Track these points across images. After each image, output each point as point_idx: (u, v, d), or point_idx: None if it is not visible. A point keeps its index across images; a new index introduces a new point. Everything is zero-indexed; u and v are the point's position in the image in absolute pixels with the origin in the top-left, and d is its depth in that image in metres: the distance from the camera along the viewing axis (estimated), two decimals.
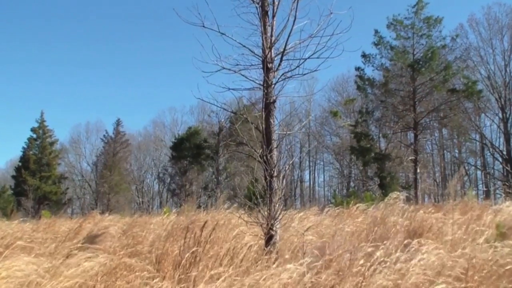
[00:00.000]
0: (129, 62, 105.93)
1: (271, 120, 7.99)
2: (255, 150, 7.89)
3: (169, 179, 57.60)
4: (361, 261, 6.22)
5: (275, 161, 7.81)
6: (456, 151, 58.37)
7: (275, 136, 8.01)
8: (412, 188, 35.41)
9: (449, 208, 12.35)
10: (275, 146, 7.91)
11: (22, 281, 5.32)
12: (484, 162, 53.32)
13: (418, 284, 5.51)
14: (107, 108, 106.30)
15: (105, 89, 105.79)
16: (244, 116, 8.51)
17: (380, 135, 41.46)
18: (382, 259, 6.19)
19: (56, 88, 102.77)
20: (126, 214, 20.80)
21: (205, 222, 8.07)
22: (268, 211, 7.47)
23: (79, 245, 8.33)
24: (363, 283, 5.59)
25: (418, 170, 36.03)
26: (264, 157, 7.63)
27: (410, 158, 36.58)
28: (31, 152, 54.75)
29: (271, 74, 8.18)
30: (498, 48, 46.49)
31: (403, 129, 40.02)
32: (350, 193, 27.38)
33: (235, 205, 12.97)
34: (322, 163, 68.07)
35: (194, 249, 7.05)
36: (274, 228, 7.54)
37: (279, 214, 7.68)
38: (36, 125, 56.23)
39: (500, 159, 45.99)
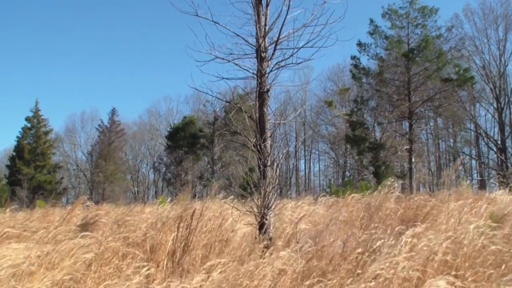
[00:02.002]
0: (124, 51, 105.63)
1: (265, 109, 7.98)
2: (248, 140, 7.88)
3: (164, 168, 57.58)
4: (355, 249, 6.23)
5: (269, 150, 7.81)
6: (451, 140, 58.49)
7: (268, 125, 8.01)
8: (407, 178, 35.50)
9: (443, 197, 12.38)
10: (268, 135, 7.90)
11: (14, 271, 5.31)
12: (479, 151, 53.45)
13: (408, 273, 5.52)
14: (102, 97, 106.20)
15: (100, 78, 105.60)
16: (238, 105, 8.49)
17: (375, 124, 41.46)
18: (375, 247, 6.20)
19: (50, 77, 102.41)
20: (121, 204, 20.81)
21: (200, 212, 8.08)
22: (261, 200, 7.48)
23: (70, 234, 8.33)
24: (357, 271, 5.60)
25: (413, 160, 36.10)
26: (258, 146, 7.62)
27: (405, 147, 36.64)
28: (25, 142, 54.56)
29: (264, 63, 8.17)
30: (493, 38, 46.53)
31: (398, 119, 40.05)
32: (346, 182, 27.42)
33: (229, 194, 12.98)
34: (317, 152, 68.15)
35: (187, 238, 7.06)
36: (267, 217, 7.55)
37: (273, 203, 7.69)
38: (30, 114, 56.08)
39: (495, 149, 46.10)
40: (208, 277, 5.21)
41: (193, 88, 8.43)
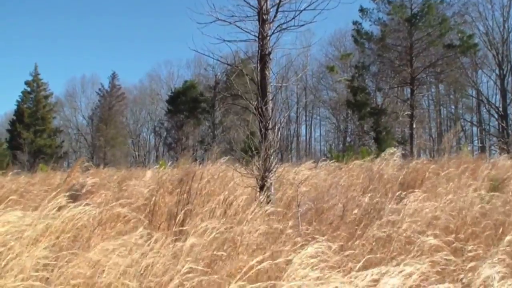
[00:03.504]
0: (123, 14, 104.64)
1: (267, 72, 7.94)
2: (250, 103, 7.85)
3: (165, 133, 57.51)
4: (355, 211, 6.26)
5: (270, 113, 7.79)
6: (453, 107, 58.33)
7: (270, 88, 7.97)
8: (408, 144, 35.48)
9: (443, 162, 12.40)
10: (270, 98, 7.87)
11: (18, 236, 5.32)
12: (480, 118, 53.32)
13: (409, 235, 5.55)
14: (102, 61, 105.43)
15: (100, 41, 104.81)
16: (240, 68, 8.44)
17: (377, 90, 41.25)
18: (377, 210, 6.23)
19: (50, 41, 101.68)
20: (122, 168, 20.85)
21: (201, 175, 8.09)
22: (262, 163, 7.48)
23: (72, 198, 8.34)
24: (357, 233, 5.63)
25: (414, 126, 35.99)
26: (259, 109, 7.60)
27: (406, 113, 36.50)
28: (25, 106, 54.34)
29: (266, 25, 8.10)
30: (497, 4, 45.99)
31: (400, 84, 39.80)
32: (347, 147, 27.45)
33: (231, 159, 12.98)
34: (318, 117, 68.07)
35: (187, 201, 7.07)
36: (268, 180, 7.57)
37: (274, 166, 7.69)
38: (30, 78, 55.76)
39: (496, 116, 45.97)
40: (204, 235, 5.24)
41: (194, 51, 8.39)
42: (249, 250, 4.85)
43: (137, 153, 68.92)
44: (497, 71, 46.29)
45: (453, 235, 5.58)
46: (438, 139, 53.47)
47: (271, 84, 8.13)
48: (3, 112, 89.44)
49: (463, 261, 4.81)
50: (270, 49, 7.98)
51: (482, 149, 44.92)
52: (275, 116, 8.10)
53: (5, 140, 52.47)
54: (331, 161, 14.70)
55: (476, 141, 54.36)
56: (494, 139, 45.58)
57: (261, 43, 7.98)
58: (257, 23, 8.08)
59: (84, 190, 10.11)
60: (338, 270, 4.06)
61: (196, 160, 21.31)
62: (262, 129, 7.68)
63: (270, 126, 7.68)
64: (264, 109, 7.63)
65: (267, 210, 6.48)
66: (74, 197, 8.53)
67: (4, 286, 3.82)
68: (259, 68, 7.91)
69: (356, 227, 6.01)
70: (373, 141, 37.34)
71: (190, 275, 4.15)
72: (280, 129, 8.14)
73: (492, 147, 43.37)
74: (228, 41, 8.12)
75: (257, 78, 7.92)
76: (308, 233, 5.76)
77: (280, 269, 4.18)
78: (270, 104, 7.87)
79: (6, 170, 15.96)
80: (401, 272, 3.45)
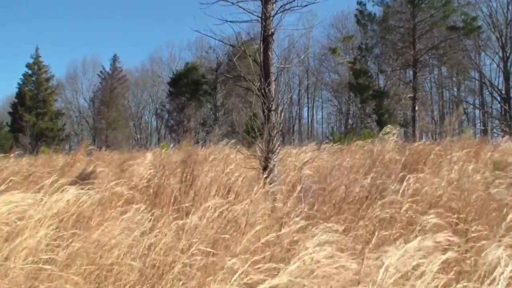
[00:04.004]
0: None
1: (269, 53, 7.91)
2: (253, 84, 7.83)
3: (167, 115, 57.42)
4: (358, 192, 6.25)
5: (273, 95, 7.77)
6: (455, 89, 58.12)
7: (273, 69, 7.94)
8: (410, 126, 35.42)
9: (446, 144, 12.37)
10: (273, 79, 7.85)
11: (21, 216, 5.33)
12: (483, 101, 53.16)
13: (411, 216, 5.56)
14: (103, 44, 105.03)
15: (101, 23, 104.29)
16: (243, 49, 8.41)
17: (379, 72, 41.10)
18: (379, 191, 6.22)
19: (50, 23, 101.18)
20: (125, 150, 20.86)
21: (204, 157, 8.09)
22: (265, 144, 7.47)
23: (75, 180, 8.35)
24: (361, 213, 5.63)
25: (417, 108, 35.86)
26: (262, 91, 7.57)
27: (408, 95, 36.37)
28: (26, 88, 54.22)
29: (269, 6, 8.05)
30: None
31: (402, 67, 39.62)
32: (349, 130, 27.42)
33: (233, 140, 12.97)
34: (320, 100, 67.92)
35: (191, 182, 7.08)
36: (271, 161, 7.57)
37: (277, 147, 7.69)
38: (31, 60, 55.60)
39: (499, 98, 45.82)
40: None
41: (197, 32, 8.33)
42: (252, 231, 4.85)
43: (138, 136, 68.90)
44: (500, 54, 46.06)
45: (456, 215, 5.58)
46: (441, 122, 53.33)
47: (274, 65, 8.10)
48: (4, 95, 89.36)
49: (466, 241, 4.81)
50: (273, 30, 7.95)
51: (485, 131, 44.87)
52: (278, 97, 8.08)
53: (6, 123, 52.45)
54: (334, 144, 14.68)
55: (479, 123, 54.28)
56: (497, 121, 45.50)
57: (264, 23, 7.94)
58: (260, 3, 8.03)
59: (87, 173, 10.13)
60: (346, 252, 4.05)
61: (198, 142, 21.32)
62: (265, 111, 7.66)
63: (273, 108, 7.66)
64: (267, 90, 7.61)
65: (270, 190, 6.48)
66: (77, 179, 8.54)
67: (13, 269, 3.83)
68: (262, 49, 7.87)
69: (359, 208, 6.02)
70: (375, 123, 37.29)
71: (197, 257, 4.16)
72: (283, 110, 8.12)
73: (495, 130, 43.34)
74: (230, 21, 8.09)
75: (259, 59, 7.90)
76: (311, 214, 5.77)
77: (285, 250, 4.19)
78: (273, 85, 7.85)
79: (9, 153, 15.97)
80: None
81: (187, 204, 6.16)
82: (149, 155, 12.49)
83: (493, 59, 48.36)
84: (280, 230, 4.67)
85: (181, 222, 4.82)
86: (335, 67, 57.94)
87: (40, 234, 4.31)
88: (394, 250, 3.43)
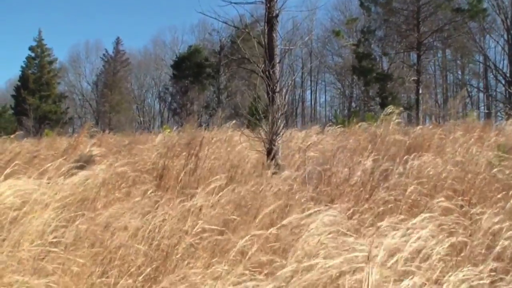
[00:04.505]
0: None
1: (274, 35, 7.90)
2: (257, 66, 7.81)
3: (170, 98, 57.35)
4: (361, 175, 6.26)
5: (278, 76, 7.76)
6: (459, 72, 57.90)
7: (277, 51, 7.93)
8: (414, 109, 35.33)
9: (450, 127, 12.35)
10: (277, 61, 7.83)
11: (26, 199, 5.34)
12: (487, 84, 52.94)
13: (416, 198, 5.57)
14: (106, 27, 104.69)
15: (103, 6, 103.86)
16: (247, 31, 8.38)
17: (383, 55, 40.90)
18: (382, 172, 6.22)
19: (53, 6, 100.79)
20: (128, 133, 20.87)
21: (209, 139, 8.09)
22: (270, 126, 7.48)
23: (79, 163, 8.36)
24: (364, 196, 5.64)
25: (420, 91, 35.75)
26: (267, 73, 7.56)
27: (412, 78, 36.22)
28: (30, 71, 54.12)
29: None
30: None
31: (406, 49, 39.46)
32: (352, 113, 27.38)
33: (237, 123, 12.96)
34: (323, 83, 67.75)
35: (196, 164, 7.09)
36: (275, 144, 7.57)
37: (281, 129, 7.69)
38: (34, 43, 55.43)
39: (503, 81, 45.60)
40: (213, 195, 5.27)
41: (201, 13, 8.32)
42: (259, 213, 4.87)
43: (142, 119, 68.90)
44: (505, 36, 45.77)
45: (461, 198, 5.58)
46: (444, 105, 53.14)
47: (278, 47, 8.08)
48: (7, 78, 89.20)
49: (470, 224, 4.82)
50: (277, 11, 7.92)
51: (489, 115, 44.74)
52: (282, 79, 8.06)
53: (10, 106, 52.44)
54: (337, 127, 14.66)
55: (483, 107, 54.04)
56: (501, 105, 45.33)
57: (268, 5, 7.93)
58: None
59: (90, 155, 10.14)
60: (351, 234, 4.06)
61: (201, 125, 21.30)
62: (270, 92, 7.66)
63: (278, 89, 7.66)
64: (271, 72, 7.59)
65: (275, 173, 6.49)
66: (82, 162, 8.55)
67: (21, 251, 3.84)
68: (266, 31, 7.86)
69: (362, 190, 6.02)
70: (378, 107, 37.19)
71: (204, 238, 4.18)
72: (288, 92, 8.12)
73: (499, 113, 43.18)
74: (235, 3, 8.07)
75: (264, 41, 7.88)
76: (315, 196, 5.78)
77: (292, 234, 4.20)
78: (278, 67, 7.83)
79: (12, 136, 15.98)
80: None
81: (192, 187, 6.17)
82: (158, 137, 12.50)
83: (498, 42, 48.13)
84: (287, 213, 4.68)
85: (188, 204, 4.84)
86: (338, 50, 57.75)
87: (46, 217, 4.32)
88: (400, 231, 3.45)
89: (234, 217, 4.85)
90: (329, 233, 3.80)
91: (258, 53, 8.08)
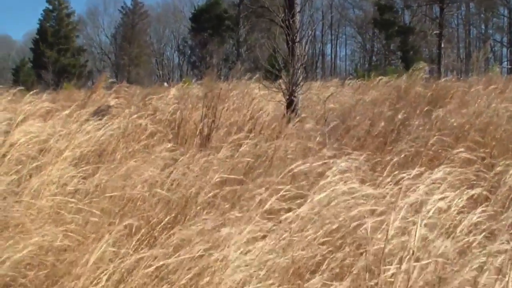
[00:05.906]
0: None
1: None
2: (277, 15, 7.67)
3: (189, 51, 57.12)
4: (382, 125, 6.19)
5: (298, 26, 7.62)
6: (483, 26, 56.81)
7: (297, 0, 7.76)
8: (436, 63, 34.85)
9: (472, 81, 12.19)
10: (298, 10, 7.68)
11: (40, 147, 5.32)
12: (511, 38, 51.95)
13: (438, 149, 5.50)
14: None
15: None
16: None
17: (405, 8, 40.20)
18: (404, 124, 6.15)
19: None
20: (146, 86, 20.86)
21: (228, 90, 8.02)
22: (290, 77, 7.39)
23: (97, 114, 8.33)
24: (386, 147, 5.58)
25: (442, 45, 35.17)
26: (287, 22, 7.43)
27: (434, 32, 35.64)
28: (48, 24, 54.00)
29: None
30: None
31: (429, 2, 38.72)
32: (373, 67, 27.10)
33: (256, 75, 12.86)
34: (344, 36, 66.86)
35: (214, 115, 7.05)
36: (295, 95, 7.50)
37: (301, 80, 7.60)
38: None
39: None
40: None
41: None
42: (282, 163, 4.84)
43: (161, 72, 68.78)
44: None
45: (482, 150, 5.51)
46: (467, 60, 52.35)
47: None
48: (25, 31, 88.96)
49: (492, 176, 4.75)
50: None
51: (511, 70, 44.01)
52: (302, 29, 7.92)
53: (29, 59, 52.57)
54: (357, 80, 14.54)
55: (506, 62, 53.16)
56: None
57: None
58: None
59: (108, 105, 10.13)
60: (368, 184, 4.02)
61: (220, 78, 21.21)
62: (289, 42, 7.54)
63: (298, 39, 7.53)
64: (291, 22, 7.46)
65: (296, 125, 6.44)
66: (98, 112, 8.55)
67: (40, 200, 3.85)
68: None
69: (384, 142, 5.96)
70: (400, 60, 36.78)
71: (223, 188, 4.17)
72: (308, 42, 7.99)
73: None
74: None
75: None
76: (336, 147, 5.73)
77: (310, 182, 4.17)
78: (298, 17, 7.69)
79: (32, 89, 16.04)
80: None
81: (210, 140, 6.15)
82: (173, 90, 12.43)
83: None
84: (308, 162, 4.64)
85: (210, 156, 4.82)
86: (359, 3, 56.84)
87: (63, 167, 4.32)
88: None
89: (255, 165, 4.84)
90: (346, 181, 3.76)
91: (278, 2, 7.93)
